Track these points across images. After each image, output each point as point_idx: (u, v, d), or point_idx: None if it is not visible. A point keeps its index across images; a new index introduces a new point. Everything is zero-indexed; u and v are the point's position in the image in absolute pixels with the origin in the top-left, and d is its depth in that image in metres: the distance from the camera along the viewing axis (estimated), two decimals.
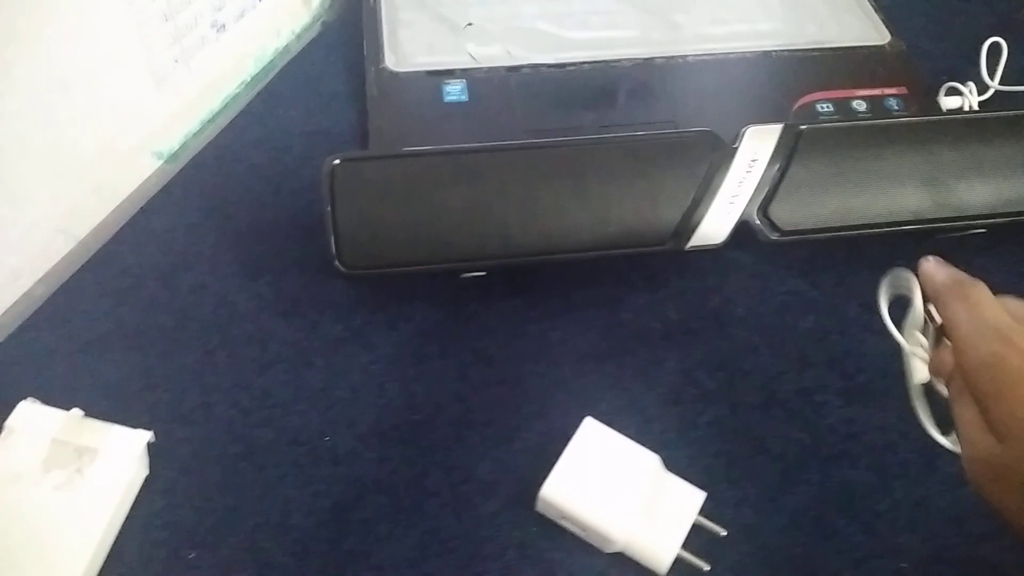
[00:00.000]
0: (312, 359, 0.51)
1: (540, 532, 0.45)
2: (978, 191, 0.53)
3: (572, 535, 0.45)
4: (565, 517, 0.44)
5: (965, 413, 0.35)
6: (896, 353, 0.44)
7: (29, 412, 0.45)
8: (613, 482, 0.44)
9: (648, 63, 0.65)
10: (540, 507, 0.45)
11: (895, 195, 0.52)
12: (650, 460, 0.45)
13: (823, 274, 0.55)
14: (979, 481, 0.34)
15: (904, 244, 0.56)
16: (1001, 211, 0.53)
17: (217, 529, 0.45)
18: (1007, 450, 0.33)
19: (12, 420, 0.45)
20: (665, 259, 0.55)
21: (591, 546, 0.44)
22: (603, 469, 0.44)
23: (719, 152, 0.51)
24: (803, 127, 0.52)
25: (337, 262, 0.49)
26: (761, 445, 0.48)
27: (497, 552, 0.44)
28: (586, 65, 0.65)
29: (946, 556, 0.45)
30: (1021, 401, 0.32)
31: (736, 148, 0.51)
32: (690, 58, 0.65)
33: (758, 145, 0.51)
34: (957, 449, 0.37)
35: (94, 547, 0.42)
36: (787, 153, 0.51)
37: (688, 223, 0.50)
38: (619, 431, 0.46)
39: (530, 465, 0.47)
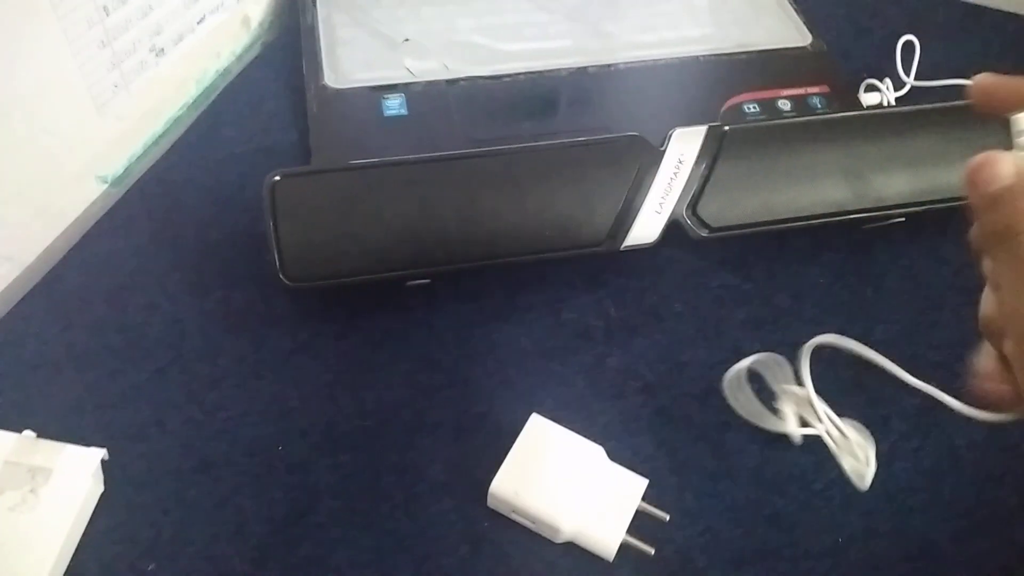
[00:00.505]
0: (262, 372, 0.52)
1: (492, 527, 0.46)
2: (896, 182, 0.56)
3: (523, 528, 0.46)
4: (515, 511, 0.46)
5: None
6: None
7: None
8: (559, 475, 0.46)
9: (581, 72, 0.67)
10: (491, 503, 0.46)
11: (818, 189, 0.55)
12: (595, 452, 0.47)
13: (755, 267, 0.57)
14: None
15: (829, 234, 0.59)
16: (919, 200, 0.56)
17: (175, 541, 0.45)
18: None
19: None
20: (604, 260, 0.57)
21: (542, 537, 0.46)
22: (550, 463, 0.46)
23: (647, 155, 0.53)
24: (727, 128, 0.54)
25: (282, 275, 0.50)
26: (702, 433, 0.50)
27: (451, 548, 0.46)
28: (522, 76, 0.67)
29: (880, 529, 0.47)
30: None
31: (664, 150, 0.53)
32: (621, 66, 0.68)
33: (684, 146, 0.53)
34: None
35: (51, 565, 0.43)
36: (712, 153, 0.54)
37: (621, 224, 0.52)
38: (565, 426, 0.48)
39: (480, 463, 0.48)
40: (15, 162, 0.54)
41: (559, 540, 0.46)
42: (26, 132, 0.54)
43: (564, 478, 0.46)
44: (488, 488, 0.45)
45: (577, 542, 0.46)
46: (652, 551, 0.45)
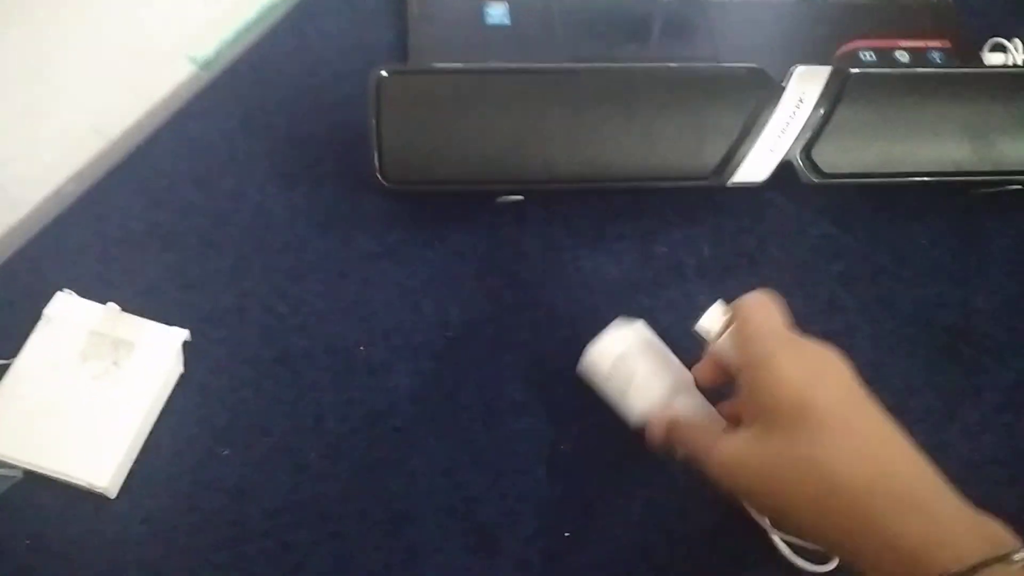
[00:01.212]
0: (347, 271, 0.51)
1: (569, 450, 0.46)
2: (1019, 147, 0.53)
3: (603, 455, 0.45)
4: (617, 367, 0.44)
5: (703, 430, 0.41)
6: (926, 302, 0.45)
7: (66, 303, 0.45)
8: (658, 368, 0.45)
9: (693, 1, 0.64)
10: (592, 356, 0.45)
11: (937, 146, 0.52)
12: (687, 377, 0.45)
13: (857, 220, 0.55)
14: (728, 475, 0.38)
15: (937, 195, 0.56)
16: None
17: (250, 429, 0.45)
18: (763, 436, 0.37)
19: (50, 309, 0.45)
20: (702, 195, 0.55)
21: (621, 465, 0.45)
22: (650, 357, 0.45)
23: (767, 90, 0.51)
24: (852, 71, 0.52)
25: (379, 175, 0.48)
26: None
27: (527, 468, 0.45)
28: None
29: None
30: (785, 395, 0.37)
31: (784, 87, 0.51)
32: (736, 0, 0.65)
33: (806, 86, 0.51)
34: None
35: (131, 437, 0.42)
36: (834, 96, 0.51)
37: (731, 159, 0.50)
38: None
39: (560, 389, 0.48)
40: (111, 31, 0.53)
41: (642, 409, 0.44)
42: (126, 3, 0.52)
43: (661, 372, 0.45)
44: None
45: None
46: None
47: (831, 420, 0.36)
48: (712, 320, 0.42)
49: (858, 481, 0.34)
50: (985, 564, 0.31)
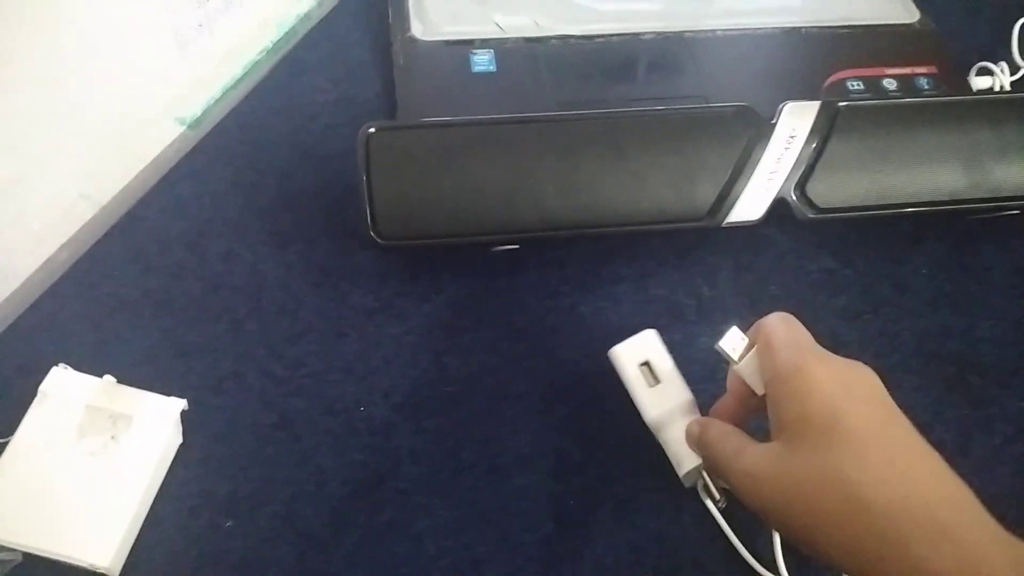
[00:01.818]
0: (344, 329, 0.50)
1: (577, 504, 0.45)
2: (1014, 172, 0.53)
3: (607, 507, 0.45)
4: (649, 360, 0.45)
5: (732, 435, 0.39)
6: (930, 332, 0.44)
7: (62, 378, 0.45)
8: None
9: (677, 37, 0.64)
10: (624, 348, 0.45)
11: (931, 174, 0.52)
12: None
13: (855, 253, 0.55)
14: (750, 490, 0.37)
15: (933, 222, 0.56)
16: None
17: (253, 498, 0.44)
18: (788, 449, 0.35)
19: (46, 385, 0.44)
20: (697, 235, 0.54)
21: (630, 519, 0.44)
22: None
23: (757, 128, 0.51)
24: (841, 104, 0.51)
25: (372, 232, 0.48)
26: None
27: (535, 525, 0.44)
28: (615, 37, 0.64)
29: None
30: (816, 406, 0.35)
31: (775, 124, 0.51)
32: (719, 32, 0.65)
33: (796, 121, 0.51)
34: None
35: (132, 511, 0.42)
36: (825, 130, 0.51)
37: (725, 199, 0.50)
38: None
39: (566, 439, 0.47)
40: (98, 96, 0.52)
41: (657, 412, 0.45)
42: (111, 66, 0.52)
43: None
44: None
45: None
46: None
47: (862, 434, 0.34)
48: (734, 340, 0.41)
49: (888, 501, 0.32)
50: None
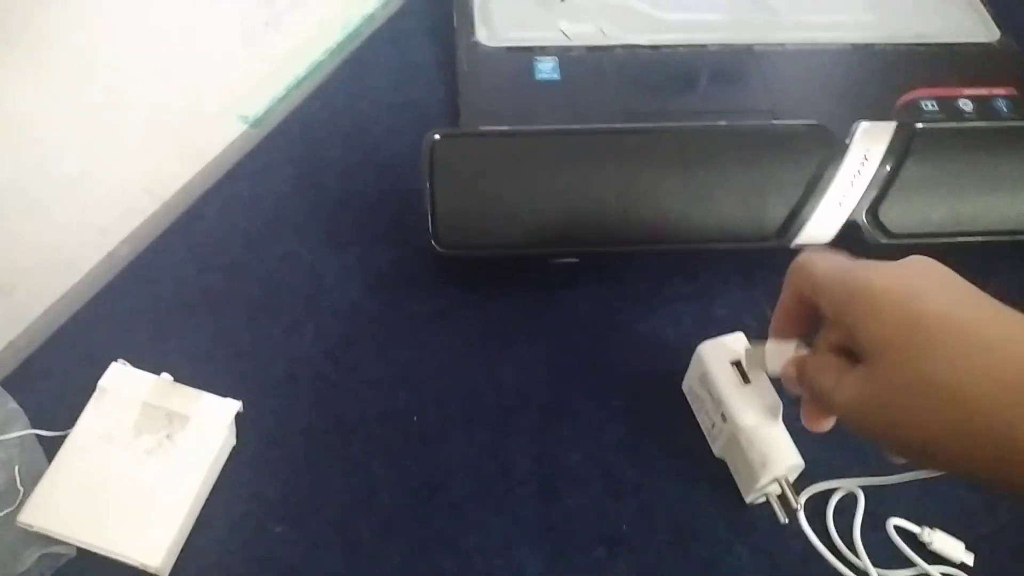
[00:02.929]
0: (399, 336, 0.50)
1: (631, 529, 0.44)
2: None
3: (660, 537, 0.44)
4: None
5: (827, 368, 0.36)
6: None
7: (121, 374, 0.45)
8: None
9: (745, 49, 0.63)
10: (712, 344, 0.45)
11: (1009, 202, 0.50)
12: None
13: None
14: (854, 418, 0.35)
15: (1011, 252, 0.54)
16: None
17: (303, 504, 0.44)
18: (874, 369, 0.33)
19: (105, 381, 0.45)
20: (761, 255, 0.53)
21: (684, 546, 0.43)
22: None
23: (830, 147, 0.49)
24: (919, 126, 0.50)
25: (433, 241, 0.48)
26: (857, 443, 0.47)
27: (587, 547, 0.43)
28: (681, 48, 0.63)
29: None
30: (889, 316, 0.33)
31: (848, 144, 0.49)
32: (789, 46, 0.63)
33: (871, 143, 0.49)
34: None
35: (185, 512, 0.42)
36: (900, 153, 0.49)
37: (795, 220, 0.48)
38: None
39: (620, 459, 0.46)
40: (163, 92, 0.53)
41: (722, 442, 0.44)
42: (177, 62, 0.53)
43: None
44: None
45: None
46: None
47: (945, 331, 0.31)
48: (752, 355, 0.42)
49: (990, 394, 0.30)
50: None
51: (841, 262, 0.36)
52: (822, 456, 0.45)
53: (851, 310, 0.34)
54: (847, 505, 0.45)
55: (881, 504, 0.45)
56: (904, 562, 0.43)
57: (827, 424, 0.39)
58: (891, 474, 0.43)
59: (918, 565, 0.43)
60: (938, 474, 0.39)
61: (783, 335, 0.40)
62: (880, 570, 0.43)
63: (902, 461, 0.38)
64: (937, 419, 0.31)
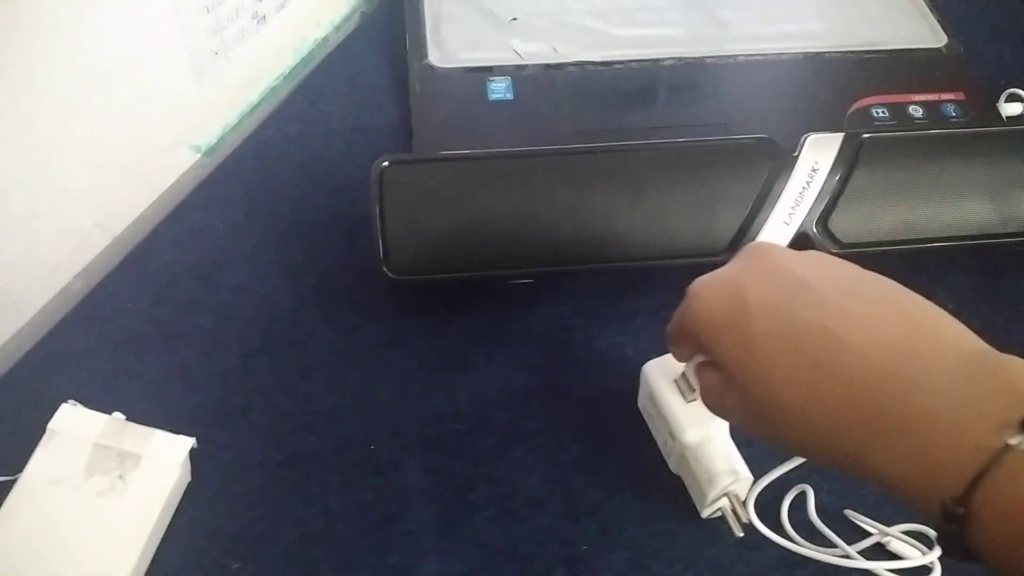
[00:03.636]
0: (355, 364, 0.50)
1: (591, 549, 0.44)
2: None
3: (622, 555, 0.44)
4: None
5: (712, 391, 0.38)
6: None
7: (71, 415, 0.44)
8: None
9: (697, 63, 0.63)
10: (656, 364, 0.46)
11: (959, 208, 0.50)
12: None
13: None
14: (718, 412, 0.38)
15: (958, 255, 0.54)
16: None
17: (260, 539, 0.44)
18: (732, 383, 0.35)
19: (55, 423, 0.44)
20: (716, 266, 0.53)
21: (645, 564, 0.43)
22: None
23: (778, 160, 0.49)
24: (865, 136, 0.50)
25: (385, 267, 0.47)
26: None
27: (547, 569, 0.43)
28: (633, 64, 0.63)
29: None
30: (727, 339, 0.35)
31: (796, 157, 0.49)
32: (740, 58, 0.64)
33: (819, 154, 0.50)
34: None
35: (138, 554, 0.41)
36: (849, 162, 0.50)
37: (745, 233, 0.49)
38: None
39: (579, 479, 0.46)
40: (113, 125, 0.52)
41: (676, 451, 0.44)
42: (127, 96, 0.52)
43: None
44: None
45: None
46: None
47: (768, 335, 0.33)
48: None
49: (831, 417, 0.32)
50: None
51: (688, 303, 0.38)
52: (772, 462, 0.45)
53: (702, 338, 0.37)
54: (802, 503, 0.45)
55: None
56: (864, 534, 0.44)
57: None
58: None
59: (879, 531, 0.43)
60: None
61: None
62: (846, 548, 0.43)
63: None
64: (793, 436, 0.33)
